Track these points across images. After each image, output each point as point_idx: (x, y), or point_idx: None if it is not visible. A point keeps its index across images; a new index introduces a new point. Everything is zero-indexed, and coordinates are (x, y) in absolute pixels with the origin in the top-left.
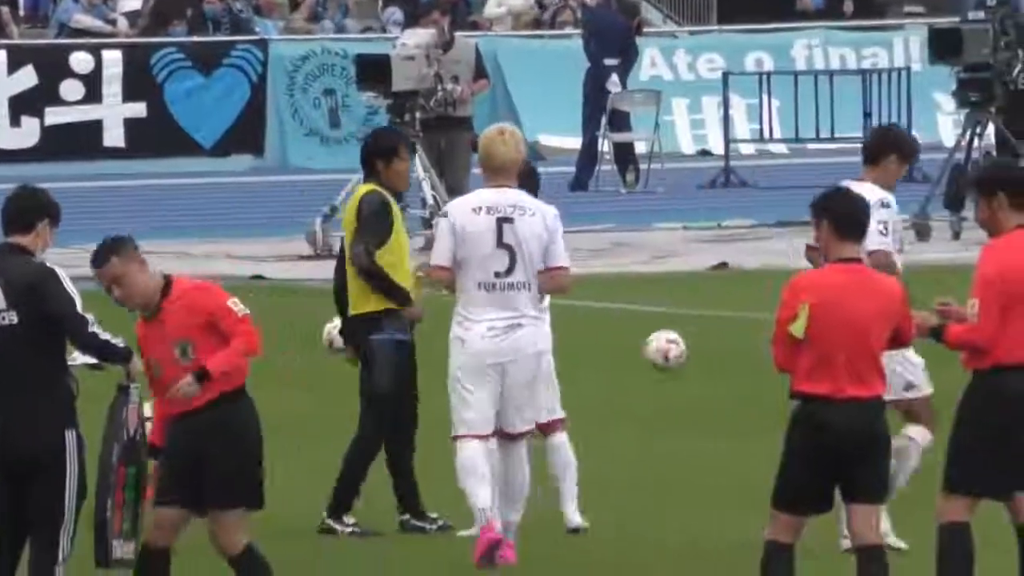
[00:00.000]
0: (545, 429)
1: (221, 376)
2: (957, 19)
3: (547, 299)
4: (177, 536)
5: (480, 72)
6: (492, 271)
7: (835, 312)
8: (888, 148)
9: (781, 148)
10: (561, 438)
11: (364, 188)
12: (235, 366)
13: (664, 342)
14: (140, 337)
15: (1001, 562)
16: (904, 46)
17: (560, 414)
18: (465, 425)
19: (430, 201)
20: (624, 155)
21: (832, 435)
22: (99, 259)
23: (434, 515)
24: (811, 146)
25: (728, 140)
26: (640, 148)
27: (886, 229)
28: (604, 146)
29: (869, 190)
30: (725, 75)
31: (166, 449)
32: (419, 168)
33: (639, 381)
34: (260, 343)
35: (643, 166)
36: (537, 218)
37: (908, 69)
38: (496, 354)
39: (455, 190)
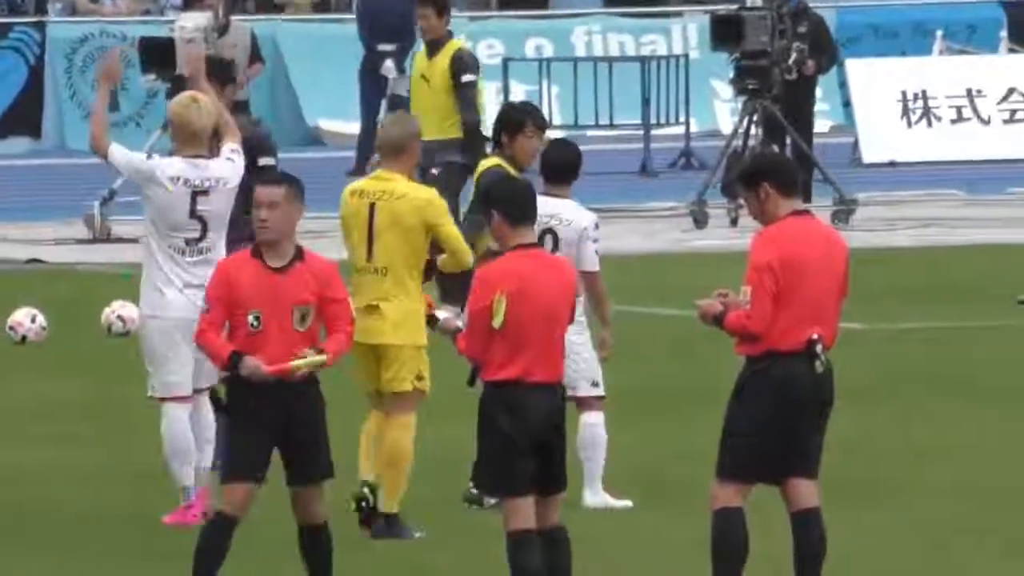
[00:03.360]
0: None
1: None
2: (736, 7)
3: None
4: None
5: (255, 56)
6: (183, 238)
7: (529, 299)
8: None
9: (560, 134)
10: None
11: (487, 162)
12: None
13: None
14: (249, 285)
15: (774, 548)
16: (682, 34)
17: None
18: (167, 388)
19: None
20: None
21: (528, 417)
22: (272, 179)
23: None
24: (590, 132)
25: None
26: None
27: None
28: None
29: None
30: (505, 61)
31: (247, 416)
32: None
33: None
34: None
35: None
36: (231, 188)
37: (686, 56)
38: (191, 313)
39: None
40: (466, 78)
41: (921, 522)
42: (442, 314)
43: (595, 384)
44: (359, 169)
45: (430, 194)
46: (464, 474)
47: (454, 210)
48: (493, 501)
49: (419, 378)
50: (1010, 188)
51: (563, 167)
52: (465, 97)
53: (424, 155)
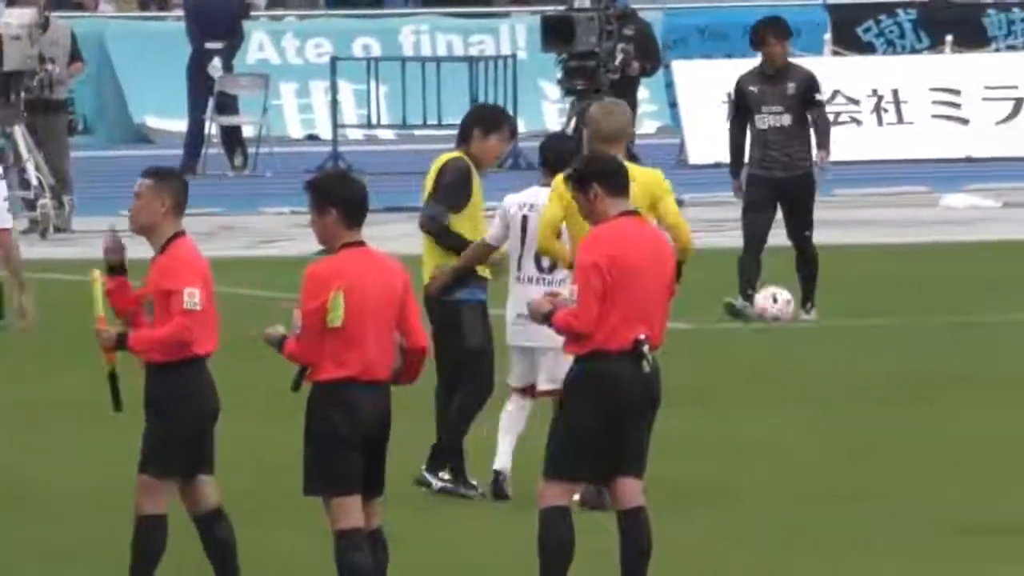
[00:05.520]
0: None
1: (141, 352)
2: (564, 8)
3: None
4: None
5: (75, 55)
6: None
7: (364, 295)
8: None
9: (389, 134)
10: None
11: (450, 155)
12: (153, 350)
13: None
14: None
15: (601, 545)
16: (510, 34)
17: None
18: None
19: (34, 182)
20: (231, 138)
21: (360, 415)
22: (147, 172)
23: (475, 482)
24: (418, 132)
25: (336, 125)
26: (248, 132)
27: None
28: (211, 129)
29: None
30: (333, 60)
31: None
32: (23, 149)
33: (250, 367)
34: (190, 339)
35: (251, 150)
36: None
37: (514, 57)
38: None
39: (57, 171)
40: None
41: (745, 521)
42: None
43: None
44: (186, 167)
45: (654, 173)
46: (286, 470)
47: None
48: (439, 484)
49: None
50: (836, 190)
51: (563, 159)
52: None
53: None
